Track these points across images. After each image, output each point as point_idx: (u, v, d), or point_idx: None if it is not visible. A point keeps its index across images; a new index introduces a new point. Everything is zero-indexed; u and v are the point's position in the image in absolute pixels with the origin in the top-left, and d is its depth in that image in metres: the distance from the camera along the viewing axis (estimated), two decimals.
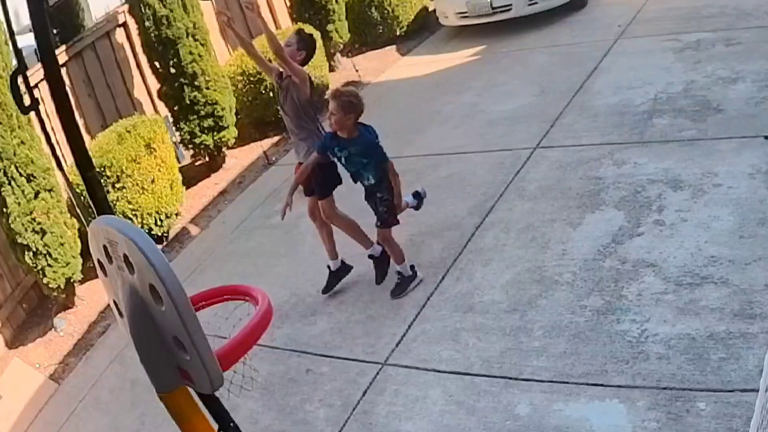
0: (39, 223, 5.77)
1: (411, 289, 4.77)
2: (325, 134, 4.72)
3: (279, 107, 5.05)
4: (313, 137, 4.94)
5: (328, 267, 5.08)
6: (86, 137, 6.87)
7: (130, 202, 6.56)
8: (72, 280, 6.09)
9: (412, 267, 4.82)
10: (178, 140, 7.90)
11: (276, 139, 8.46)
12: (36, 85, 2.21)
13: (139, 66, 8.10)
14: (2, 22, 5.04)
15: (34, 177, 5.80)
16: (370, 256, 4.95)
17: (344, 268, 5.09)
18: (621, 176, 5.18)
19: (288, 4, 9.99)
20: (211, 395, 1.91)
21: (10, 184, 5.66)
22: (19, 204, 5.69)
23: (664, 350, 3.56)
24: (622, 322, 3.85)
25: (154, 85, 7.88)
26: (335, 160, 4.68)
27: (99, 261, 1.91)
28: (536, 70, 7.84)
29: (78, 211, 5.66)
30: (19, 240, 5.74)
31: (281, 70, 4.88)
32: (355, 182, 4.75)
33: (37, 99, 2.10)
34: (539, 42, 8.66)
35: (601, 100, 6.52)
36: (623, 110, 6.16)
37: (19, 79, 2.09)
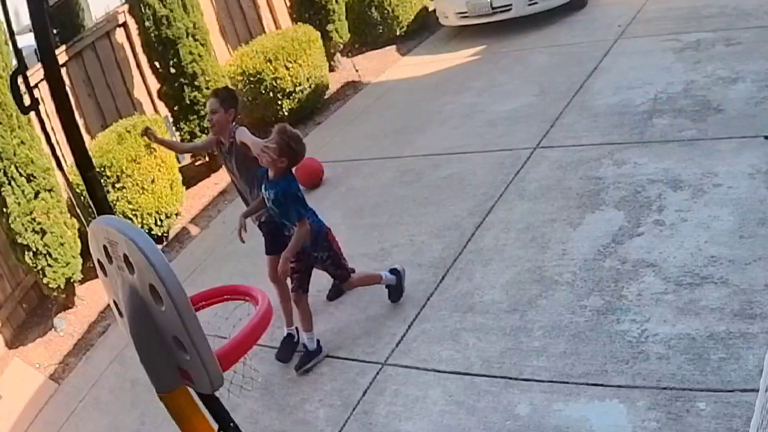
0: (39, 223, 5.77)
1: (404, 286, 4.69)
2: (262, 168, 4.26)
3: (230, 174, 4.71)
4: None
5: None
6: (86, 137, 6.87)
7: (130, 202, 6.56)
8: (72, 280, 6.09)
9: (392, 270, 4.66)
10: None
11: None
12: (36, 85, 2.22)
13: (139, 66, 8.11)
14: (2, 22, 5.04)
15: (34, 177, 5.80)
16: (288, 335, 4.63)
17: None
18: (621, 176, 5.18)
19: (288, 4, 9.99)
20: (211, 395, 1.91)
21: (10, 184, 5.66)
22: (19, 204, 5.70)
23: (664, 350, 3.56)
24: (622, 322, 3.85)
25: (154, 85, 7.88)
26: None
27: (99, 261, 1.91)
28: (536, 70, 7.84)
29: (78, 211, 5.66)
30: (19, 240, 5.74)
31: (218, 137, 4.60)
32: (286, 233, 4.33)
33: (37, 99, 2.11)
34: (539, 42, 8.66)
35: (601, 100, 6.52)
36: (623, 110, 6.16)
37: (19, 79, 2.09)
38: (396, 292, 4.69)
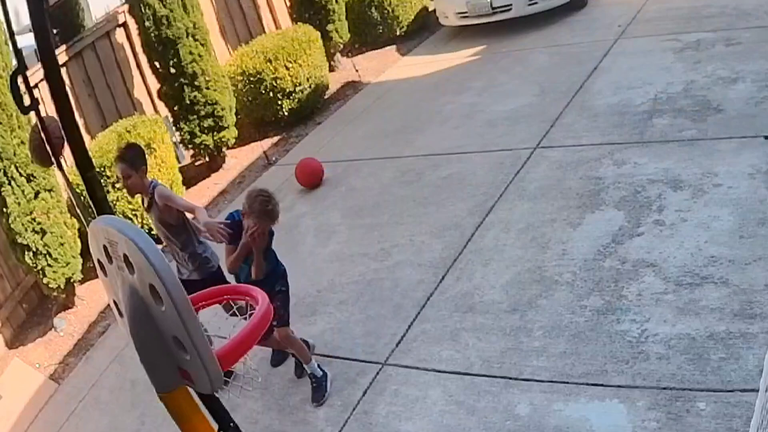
0: (39, 223, 5.77)
1: (328, 389, 4.19)
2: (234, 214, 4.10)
3: (164, 235, 4.43)
4: (205, 244, 4.45)
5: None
6: (86, 137, 6.87)
7: (130, 202, 6.56)
8: (72, 280, 6.09)
9: (322, 369, 4.26)
10: (178, 140, 7.91)
11: (276, 139, 8.47)
12: (36, 85, 2.22)
13: (139, 66, 8.11)
14: (2, 22, 5.03)
15: (34, 177, 5.80)
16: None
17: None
18: (621, 176, 5.18)
19: (288, 4, 9.99)
20: (211, 395, 1.91)
21: (10, 184, 5.66)
22: (19, 204, 5.70)
23: (664, 350, 3.56)
24: (622, 322, 3.85)
25: (154, 85, 7.88)
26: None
27: (99, 261, 1.91)
28: (536, 70, 7.84)
29: (78, 211, 5.65)
30: (19, 240, 5.74)
31: (143, 196, 4.39)
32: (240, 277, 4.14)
33: (37, 99, 2.11)
34: (539, 42, 8.66)
35: (601, 100, 6.52)
36: (623, 110, 6.16)
37: (19, 79, 2.09)
38: (317, 390, 4.19)
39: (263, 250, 4.03)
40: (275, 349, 4.47)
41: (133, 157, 4.27)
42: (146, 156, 4.43)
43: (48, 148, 3.25)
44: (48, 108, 2.24)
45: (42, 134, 3.34)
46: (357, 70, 9.57)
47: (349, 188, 6.60)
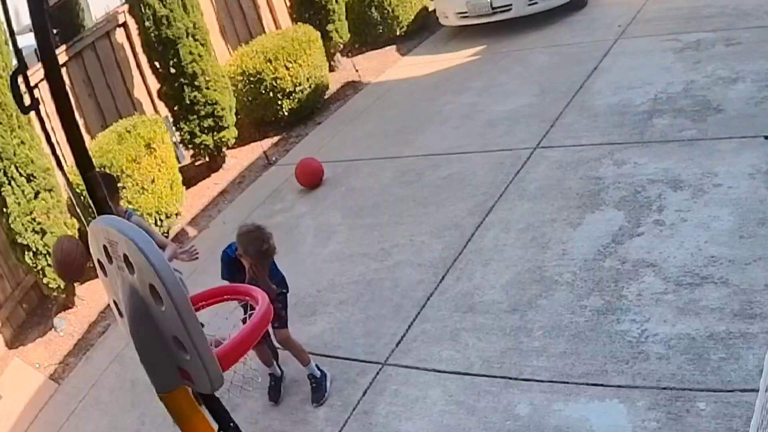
0: (39, 223, 5.77)
1: (328, 389, 4.19)
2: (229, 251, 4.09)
3: None
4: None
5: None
6: (86, 137, 6.87)
7: (130, 202, 6.55)
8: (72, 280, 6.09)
9: (320, 368, 4.27)
10: (178, 140, 7.90)
11: (276, 139, 8.47)
12: (36, 85, 2.21)
13: (139, 66, 8.11)
14: (2, 22, 5.03)
15: (34, 177, 5.80)
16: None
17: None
18: (621, 176, 5.18)
19: (288, 4, 9.99)
20: (211, 395, 1.91)
21: (10, 184, 5.66)
22: (19, 204, 5.70)
23: (664, 350, 3.56)
24: (622, 322, 3.85)
25: (154, 85, 7.88)
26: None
27: (99, 261, 1.91)
28: (536, 70, 7.84)
29: (78, 211, 5.65)
30: (19, 240, 5.74)
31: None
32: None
33: (37, 99, 2.10)
34: (539, 42, 8.66)
35: (601, 100, 6.52)
36: (623, 110, 6.16)
37: (20, 79, 2.09)
38: (317, 391, 4.19)
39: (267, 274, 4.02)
40: (263, 360, 4.32)
41: (106, 184, 4.25)
42: (116, 182, 4.41)
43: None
44: (48, 108, 2.23)
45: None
46: (357, 70, 9.57)
47: (349, 188, 6.60)
